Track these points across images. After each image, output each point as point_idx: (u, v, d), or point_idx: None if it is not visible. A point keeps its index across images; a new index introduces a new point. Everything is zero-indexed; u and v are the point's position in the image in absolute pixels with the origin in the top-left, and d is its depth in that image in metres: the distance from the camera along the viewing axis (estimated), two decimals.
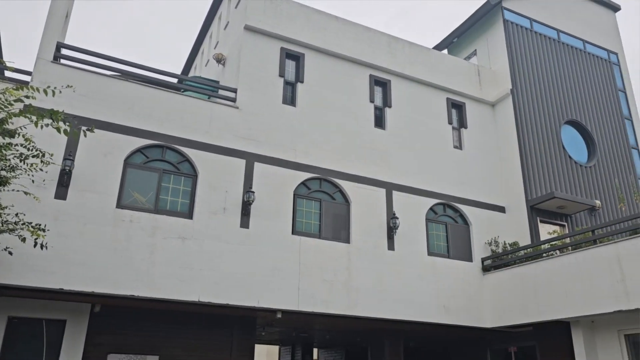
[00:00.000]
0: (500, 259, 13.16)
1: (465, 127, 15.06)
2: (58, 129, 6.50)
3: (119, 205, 9.87)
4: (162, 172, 10.60)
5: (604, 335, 11.02)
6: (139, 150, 10.49)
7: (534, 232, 13.81)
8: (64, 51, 10.67)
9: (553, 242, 12.14)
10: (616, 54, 18.77)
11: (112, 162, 10.08)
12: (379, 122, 13.75)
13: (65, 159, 9.48)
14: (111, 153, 10.11)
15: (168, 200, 10.46)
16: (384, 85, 14.21)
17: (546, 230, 13.95)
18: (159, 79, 11.55)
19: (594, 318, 10.92)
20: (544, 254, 12.01)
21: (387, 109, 13.94)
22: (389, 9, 77.21)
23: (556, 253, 11.70)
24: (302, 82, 12.91)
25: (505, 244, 13.59)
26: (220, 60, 13.94)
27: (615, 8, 19.64)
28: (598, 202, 14.92)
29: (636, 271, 9.58)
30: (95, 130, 8.30)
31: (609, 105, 17.37)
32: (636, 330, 10.45)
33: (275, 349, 24.48)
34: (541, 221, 14.19)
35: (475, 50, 17.38)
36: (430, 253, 12.88)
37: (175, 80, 12.79)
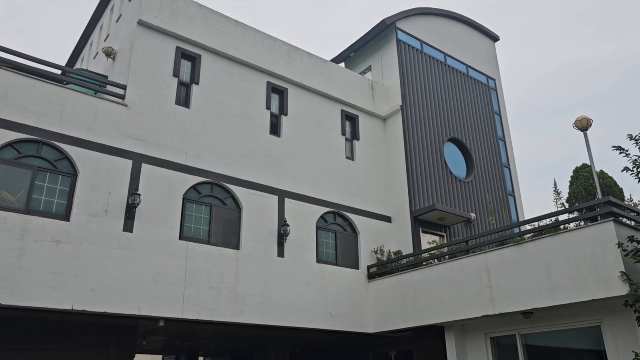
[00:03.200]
0: (384, 267, 13.76)
1: (358, 139, 15.62)
2: None
3: None
4: (36, 170, 9.76)
5: (472, 338, 11.93)
6: (10, 144, 9.58)
7: (416, 241, 14.64)
8: None
9: (432, 251, 12.94)
10: (494, 79, 20.56)
11: None
12: (275, 129, 13.82)
13: None
14: None
15: (42, 200, 9.65)
16: (281, 93, 14.32)
17: (427, 240, 14.85)
18: (38, 68, 10.65)
19: (465, 322, 11.79)
20: (424, 262, 12.75)
21: (283, 117, 14.05)
22: (287, 21, 78.11)
23: (434, 262, 12.48)
24: (197, 83, 12.61)
25: (389, 252, 14.25)
26: (110, 54, 13.19)
27: (495, 38, 21.54)
28: (473, 214, 16.19)
29: (501, 279, 10.51)
30: None
31: (486, 126, 18.96)
32: (499, 333, 11.45)
33: (158, 358, 23.48)
34: (423, 231, 15.08)
35: (370, 65, 18.12)
36: (319, 260, 13.13)
37: (57, 72, 11.86)
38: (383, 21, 17.21)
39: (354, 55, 18.81)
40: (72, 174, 10.10)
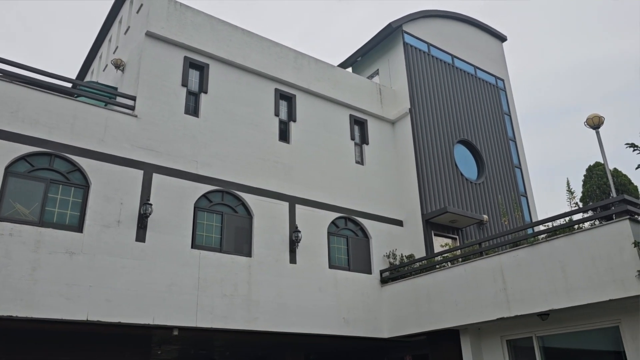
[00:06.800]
0: (397, 271, 13.69)
1: (367, 144, 15.59)
2: None
3: None
4: (49, 182, 9.85)
5: (488, 341, 11.80)
6: (23, 158, 9.69)
7: (429, 244, 14.55)
8: None
9: (445, 254, 12.85)
10: (502, 80, 20.44)
11: None
12: (284, 135, 13.84)
13: None
14: None
15: (55, 212, 9.74)
16: (289, 99, 14.35)
17: (439, 243, 14.75)
18: (49, 82, 10.78)
19: (480, 325, 11.67)
20: (437, 266, 12.66)
21: (292, 123, 14.07)
22: (293, 28, 78.25)
23: (448, 265, 12.39)
24: (206, 92, 12.68)
25: (402, 256, 14.17)
26: (119, 66, 13.31)
27: (502, 38, 21.44)
28: (485, 216, 16.07)
29: (516, 281, 10.39)
30: None
31: (496, 127, 18.84)
32: (516, 335, 11.32)
33: None
34: (435, 234, 14.98)
35: (378, 69, 18.10)
36: (331, 266, 13.09)
37: (68, 85, 12.01)
38: (389, 25, 17.21)
39: (361, 59, 18.81)
40: (85, 185, 10.19)
